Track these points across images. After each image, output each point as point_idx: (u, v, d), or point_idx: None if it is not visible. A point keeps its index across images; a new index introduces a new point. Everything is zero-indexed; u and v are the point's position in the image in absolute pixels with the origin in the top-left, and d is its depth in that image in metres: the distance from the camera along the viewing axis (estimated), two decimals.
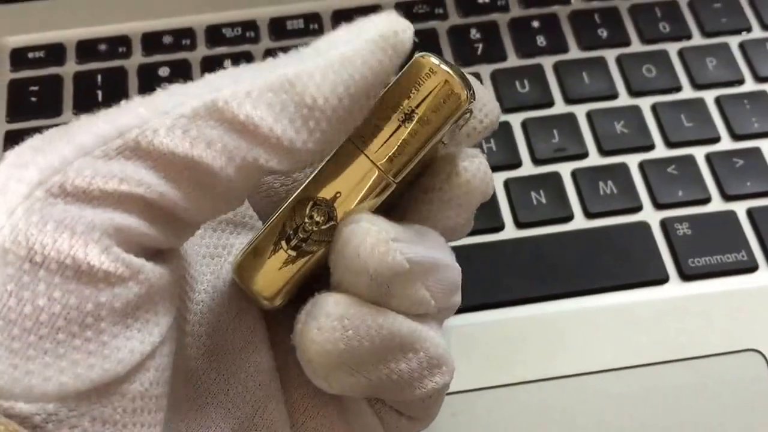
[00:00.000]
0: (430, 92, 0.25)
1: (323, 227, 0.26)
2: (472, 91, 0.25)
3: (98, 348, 0.20)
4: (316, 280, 0.27)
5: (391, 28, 0.23)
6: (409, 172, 0.25)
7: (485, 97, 0.28)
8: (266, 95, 0.21)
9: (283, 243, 0.26)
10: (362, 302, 0.24)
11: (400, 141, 0.25)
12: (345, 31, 0.23)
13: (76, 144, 0.20)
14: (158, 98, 0.21)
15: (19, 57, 0.45)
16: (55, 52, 0.45)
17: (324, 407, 0.27)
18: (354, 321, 0.23)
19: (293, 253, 0.26)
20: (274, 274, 0.26)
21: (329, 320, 0.23)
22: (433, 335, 0.25)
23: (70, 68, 0.45)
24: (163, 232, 0.22)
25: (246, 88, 0.21)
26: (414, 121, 0.25)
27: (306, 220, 0.26)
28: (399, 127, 0.25)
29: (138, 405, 0.21)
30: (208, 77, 0.22)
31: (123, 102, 0.21)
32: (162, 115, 0.21)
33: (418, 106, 0.25)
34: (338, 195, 0.25)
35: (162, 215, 0.21)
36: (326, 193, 0.26)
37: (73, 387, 0.19)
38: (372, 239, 0.23)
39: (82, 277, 0.20)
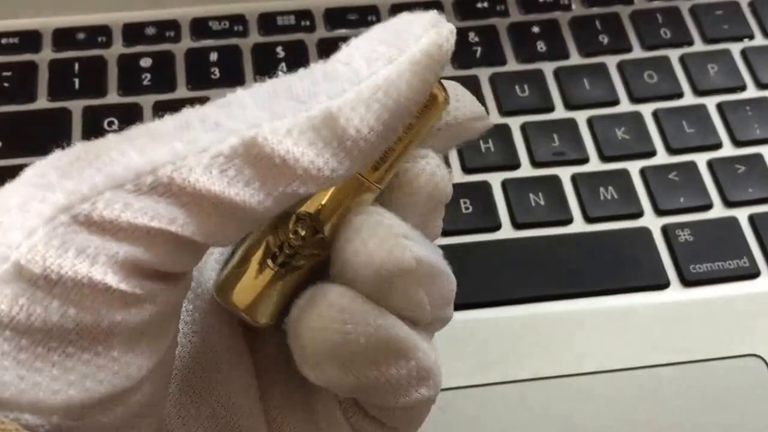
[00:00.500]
0: None
1: (311, 241, 0.25)
2: (446, 93, 0.25)
3: (108, 363, 0.20)
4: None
5: (436, 42, 0.21)
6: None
7: (455, 91, 0.27)
8: (308, 134, 0.20)
9: (269, 261, 0.25)
10: (365, 299, 0.23)
11: (393, 157, 0.24)
12: (385, 42, 0.22)
13: (107, 174, 0.19)
14: (193, 131, 0.20)
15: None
16: (30, 40, 0.45)
17: (298, 422, 0.26)
18: (355, 316, 0.23)
19: (281, 270, 0.25)
20: (264, 293, 0.25)
21: (331, 310, 0.22)
22: (427, 347, 0.25)
23: (45, 55, 0.45)
24: (187, 259, 0.21)
25: (287, 126, 0.20)
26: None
27: (291, 235, 0.25)
28: None
29: (136, 412, 0.21)
30: (244, 102, 0.21)
31: (155, 125, 0.20)
32: (199, 153, 0.20)
33: None
34: (321, 207, 0.25)
35: (190, 247, 0.21)
36: (309, 206, 0.25)
37: (79, 401, 0.19)
38: (383, 232, 0.23)
39: (98, 297, 0.19)
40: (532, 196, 0.40)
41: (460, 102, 0.27)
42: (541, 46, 0.45)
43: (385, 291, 0.23)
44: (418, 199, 0.25)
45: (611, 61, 0.45)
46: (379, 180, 0.25)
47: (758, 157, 0.42)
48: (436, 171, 0.25)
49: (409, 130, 0.24)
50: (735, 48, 0.45)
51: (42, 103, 0.43)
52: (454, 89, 0.27)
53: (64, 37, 0.46)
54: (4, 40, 0.45)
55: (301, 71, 0.21)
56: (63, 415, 0.19)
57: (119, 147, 0.20)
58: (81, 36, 0.46)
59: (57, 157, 0.20)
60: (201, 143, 0.20)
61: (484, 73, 0.44)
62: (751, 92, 0.44)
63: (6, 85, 0.44)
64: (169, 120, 0.20)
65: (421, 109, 0.24)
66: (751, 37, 0.46)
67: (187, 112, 0.21)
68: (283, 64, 0.45)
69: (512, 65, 0.45)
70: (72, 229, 0.19)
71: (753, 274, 0.38)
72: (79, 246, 0.19)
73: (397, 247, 0.22)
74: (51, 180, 0.19)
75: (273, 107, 0.21)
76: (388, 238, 0.22)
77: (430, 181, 0.25)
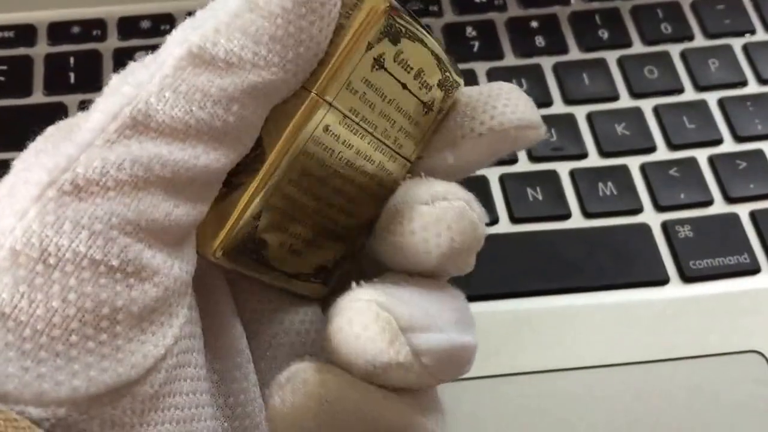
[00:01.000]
0: (355, 11, 0.24)
1: (251, 156, 0.24)
2: (396, 8, 0.24)
3: (112, 352, 0.20)
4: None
5: None
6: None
7: (508, 95, 0.25)
8: (235, 23, 0.21)
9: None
10: (351, 381, 0.22)
11: (332, 61, 0.23)
12: None
13: (77, 141, 0.20)
14: (136, 71, 0.21)
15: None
16: (25, 33, 0.45)
17: None
18: (336, 404, 0.21)
19: (224, 190, 0.24)
20: (209, 221, 0.24)
21: (306, 394, 0.21)
22: (424, 421, 0.23)
23: (41, 50, 0.45)
24: (186, 203, 0.21)
25: (212, 26, 0.21)
26: (340, 36, 0.24)
27: None
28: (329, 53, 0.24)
29: (147, 406, 0.21)
30: (167, 38, 0.21)
31: (105, 88, 0.21)
32: (147, 84, 0.20)
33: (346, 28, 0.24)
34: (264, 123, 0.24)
35: (181, 183, 0.21)
36: None
37: (85, 391, 0.19)
38: (379, 326, 0.21)
39: (100, 279, 0.19)
40: (530, 190, 0.40)
41: (509, 107, 0.25)
42: (539, 41, 0.45)
43: (379, 376, 0.22)
44: (429, 248, 0.23)
45: (611, 56, 0.44)
46: (321, 91, 0.23)
47: (759, 152, 0.41)
48: (459, 218, 0.23)
49: (340, 31, 0.23)
50: (736, 43, 0.45)
51: (38, 97, 0.43)
52: (508, 92, 0.25)
53: (59, 31, 0.45)
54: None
55: None
56: (69, 408, 0.19)
57: (84, 115, 0.20)
58: (76, 30, 0.46)
59: (36, 140, 0.21)
60: (144, 77, 0.20)
61: (481, 68, 0.44)
62: (753, 88, 0.44)
63: (1, 79, 0.44)
64: (114, 77, 0.21)
65: (350, 9, 0.23)
66: (753, 32, 0.46)
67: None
68: None
69: (510, 60, 0.44)
70: (62, 202, 0.19)
71: (753, 270, 0.38)
72: (73, 218, 0.19)
73: (393, 343, 0.21)
74: (30, 163, 0.20)
75: (194, 22, 0.21)
76: (383, 333, 0.21)
77: (444, 234, 0.23)
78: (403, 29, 0.25)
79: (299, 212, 0.25)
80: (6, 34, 0.45)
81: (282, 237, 0.25)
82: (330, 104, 0.24)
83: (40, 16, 0.46)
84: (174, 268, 0.21)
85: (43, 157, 0.20)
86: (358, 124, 0.25)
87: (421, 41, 0.25)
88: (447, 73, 0.26)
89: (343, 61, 0.24)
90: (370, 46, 0.24)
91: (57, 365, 0.19)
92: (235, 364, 0.25)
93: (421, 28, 0.25)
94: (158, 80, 0.20)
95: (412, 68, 0.25)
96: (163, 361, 0.21)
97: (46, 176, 0.19)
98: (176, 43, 0.21)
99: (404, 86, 0.25)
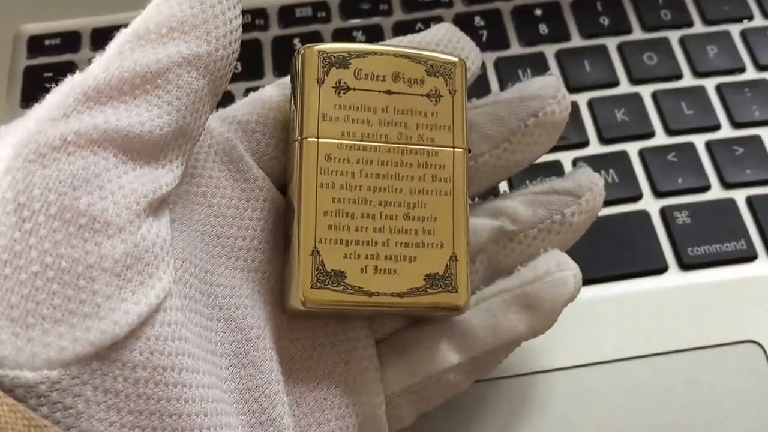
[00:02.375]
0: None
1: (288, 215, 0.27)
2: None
3: (93, 310, 0.20)
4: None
5: None
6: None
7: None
8: (160, 10, 0.24)
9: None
10: None
11: (298, 109, 0.27)
12: None
13: (35, 117, 0.22)
14: (93, 63, 0.24)
15: (35, 44, 0.45)
16: (70, 40, 0.45)
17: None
18: None
19: (285, 254, 0.27)
20: (286, 281, 0.27)
21: None
22: None
23: (85, 55, 0.45)
24: (144, 166, 0.23)
25: (143, 17, 0.24)
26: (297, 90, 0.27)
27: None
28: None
29: (141, 375, 0.21)
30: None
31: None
32: (94, 67, 0.23)
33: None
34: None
35: (133, 147, 0.23)
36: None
37: (72, 351, 0.20)
38: None
39: (71, 240, 0.21)
40: (531, 180, 0.40)
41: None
42: (543, 28, 0.45)
43: None
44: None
45: (611, 43, 0.45)
46: (301, 133, 0.27)
47: (757, 138, 0.42)
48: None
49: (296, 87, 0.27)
50: (734, 29, 0.45)
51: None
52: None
53: (101, 37, 0.45)
54: (47, 42, 0.45)
55: None
56: (60, 371, 0.20)
57: (40, 102, 0.23)
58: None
59: None
60: (92, 65, 0.24)
61: (489, 58, 0.44)
62: (751, 74, 0.44)
63: (48, 86, 0.44)
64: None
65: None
66: (751, 18, 0.46)
67: None
68: None
69: (515, 49, 0.45)
70: (29, 170, 0.21)
71: (750, 256, 0.39)
72: (41, 183, 0.21)
73: None
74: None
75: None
76: None
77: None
78: (345, 54, 0.27)
79: (359, 236, 0.26)
80: (53, 41, 0.45)
81: (357, 262, 0.26)
82: (316, 138, 0.26)
83: (83, 23, 0.46)
84: (142, 228, 0.22)
85: (5, 137, 0.22)
86: (361, 141, 0.27)
87: (373, 53, 0.27)
88: (430, 62, 0.28)
89: (304, 104, 0.26)
90: (320, 80, 0.27)
91: (44, 328, 0.20)
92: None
93: (365, 46, 0.28)
94: (104, 60, 0.23)
95: (383, 76, 0.27)
96: (151, 328, 0.22)
97: (11, 150, 0.21)
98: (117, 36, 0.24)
99: (389, 92, 0.27)
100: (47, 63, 0.44)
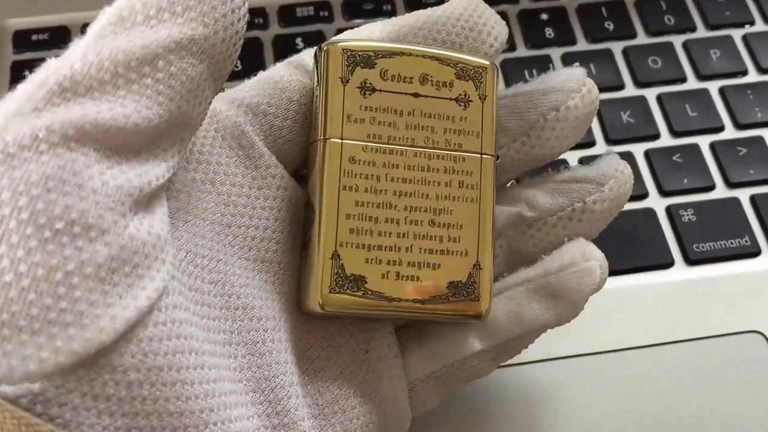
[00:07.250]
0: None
1: (308, 216, 0.26)
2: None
3: (75, 318, 0.19)
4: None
5: None
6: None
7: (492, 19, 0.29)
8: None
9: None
10: None
11: (322, 108, 0.26)
12: None
13: (3, 112, 0.20)
14: (71, 48, 0.22)
15: (22, 39, 0.45)
16: (59, 35, 0.45)
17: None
18: None
19: (303, 252, 0.27)
20: (305, 282, 0.26)
21: None
22: None
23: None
24: (129, 162, 0.21)
25: None
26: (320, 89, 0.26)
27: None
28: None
29: (134, 377, 0.20)
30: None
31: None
32: (70, 55, 0.21)
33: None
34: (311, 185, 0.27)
35: (114, 143, 0.21)
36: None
37: (54, 361, 0.19)
38: None
39: (47, 246, 0.19)
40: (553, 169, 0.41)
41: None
42: (549, 32, 0.46)
43: None
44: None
45: (617, 47, 0.46)
46: (324, 133, 0.26)
47: (759, 139, 0.43)
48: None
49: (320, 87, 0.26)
50: (737, 34, 0.46)
51: None
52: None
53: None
54: (34, 37, 0.45)
55: None
56: (42, 383, 0.19)
57: (11, 92, 0.21)
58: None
59: None
60: (70, 51, 0.22)
61: (495, 61, 0.44)
62: (753, 77, 0.45)
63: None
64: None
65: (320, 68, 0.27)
66: (752, 23, 0.47)
67: None
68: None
69: (522, 51, 0.45)
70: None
71: (754, 252, 0.39)
72: (10, 186, 0.19)
73: None
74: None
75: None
76: None
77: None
78: (371, 53, 0.26)
79: (382, 241, 0.26)
80: (40, 36, 0.45)
81: (378, 267, 0.26)
82: (340, 139, 0.26)
83: (72, 18, 0.46)
84: (129, 227, 0.21)
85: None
86: (387, 144, 0.26)
87: (400, 53, 0.26)
88: (460, 65, 0.27)
89: (327, 103, 0.26)
90: (345, 80, 0.26)
91: (21, 341, 0.19)
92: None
93: (392, 45, 0.27)
94: (81, 48, 0.21)
95: (411, 78, 0.26)
96: (144, 330, 0.21)
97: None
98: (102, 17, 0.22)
99: (416, 95, 0.26)
100: (34, 58, 0.44)
